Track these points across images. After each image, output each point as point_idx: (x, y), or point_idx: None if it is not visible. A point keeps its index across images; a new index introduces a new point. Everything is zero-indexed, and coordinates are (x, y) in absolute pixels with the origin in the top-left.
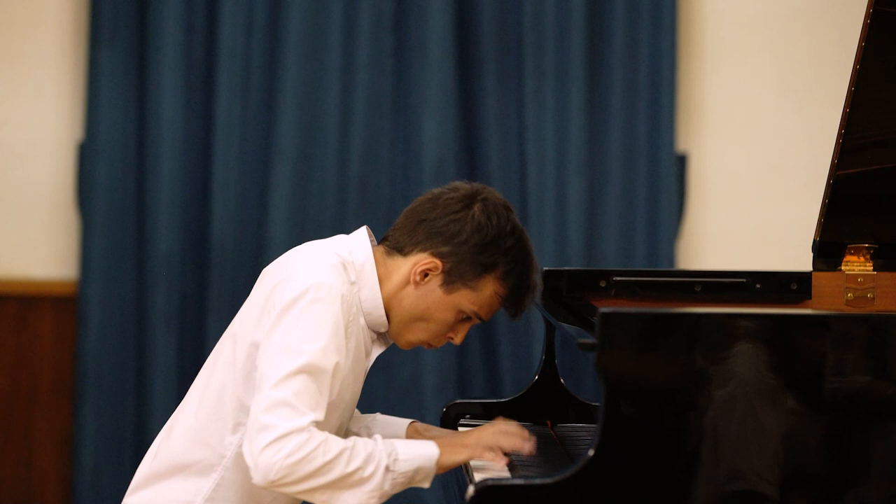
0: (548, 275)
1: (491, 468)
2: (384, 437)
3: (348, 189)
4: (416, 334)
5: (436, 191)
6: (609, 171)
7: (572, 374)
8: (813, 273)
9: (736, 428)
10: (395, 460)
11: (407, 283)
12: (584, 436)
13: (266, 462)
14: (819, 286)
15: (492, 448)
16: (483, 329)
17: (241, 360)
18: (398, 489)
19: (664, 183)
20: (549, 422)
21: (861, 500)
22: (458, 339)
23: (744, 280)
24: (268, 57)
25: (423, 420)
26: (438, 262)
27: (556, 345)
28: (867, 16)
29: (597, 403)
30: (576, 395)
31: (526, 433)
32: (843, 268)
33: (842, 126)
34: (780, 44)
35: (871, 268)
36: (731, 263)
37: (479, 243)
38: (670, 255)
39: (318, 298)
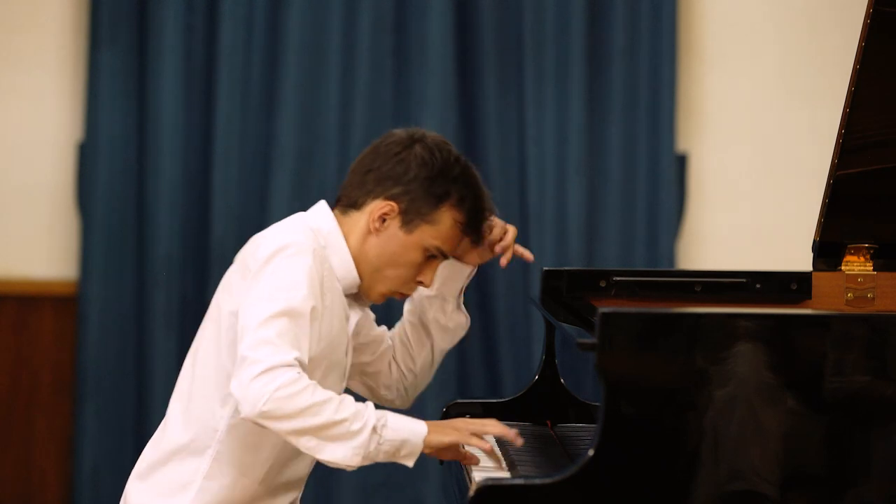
0: (548, 275)
1: (486, 464)
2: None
3: None
4: (387, 284)
5: (375, 142)
6: (609, 171)
7: (572, 374)
8: (813, 273)
9: (736, 428)
10: (384, 426)
11: (368, 233)
12: (584, 436)
13: (255, 392)
14: (819, 286)
15: (478, 434)
16: (483, 329)
17: (222, 332)
18: (381, 457)
19: (664, 183)
20: (549, 422)
21: (861, 500)
22: (428, 281)
23: (744, 280)
24: (268, 57)
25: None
26: (393, 204)
27: (556, 345)
28: (867, 16)
29: (597, 403)
30: (576, 395)
31: (515, 436)
32: (843, 268)
33: (842, 126)
34: (780, 44)
35: (871, 268)
36: (731, 263)
37: (429, 176)
38: (670, 255)
39: (290, 254)
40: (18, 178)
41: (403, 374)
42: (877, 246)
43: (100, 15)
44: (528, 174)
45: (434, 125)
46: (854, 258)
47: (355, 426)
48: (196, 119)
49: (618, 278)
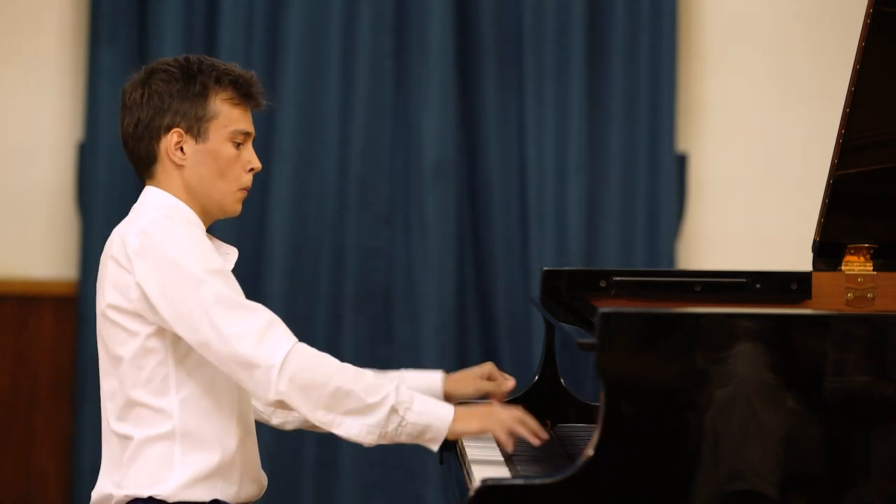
0: (548, 275)
1: (488, 463)
2: (417, 387)
3: (348, 189)
4: (228, 191)
5: (121, 110)
6: (609, 171)
7: (572, 374)
8: (813, 273)
9: (736, 428)
10: (408, 409)
11: (179, 169)
12: (584, 436)
13: (266, 359)
14: (819, 286)
15: (508, 433)
16: (483, 329)
17: (126, 327)
18: (404, 439)
19: (664, 183)
20: (549, 422)
21: (861, 500)
22: (255, 163)
23: (744, 280)
24: (268, 57)
25: None
26: (177, 130)
27: (556, 345)
28: (867, 16)
29: (597, 403)
30: (576, 395)
31: (539, 430)
32: (843, 268)
33: (842, 126)
34: (780, 44)
35: (871, 268)
36: (731, 263)
37: (180, 88)
38: (670, 255)
39: (161, 231)
40: (18, 178)
41: None
42: (877, 246)
43: (100, 15)
44: (528, 174)
45: (434, 125)
46: (854, 258)
47: (371, 400)
48: None
49: (618, 278)
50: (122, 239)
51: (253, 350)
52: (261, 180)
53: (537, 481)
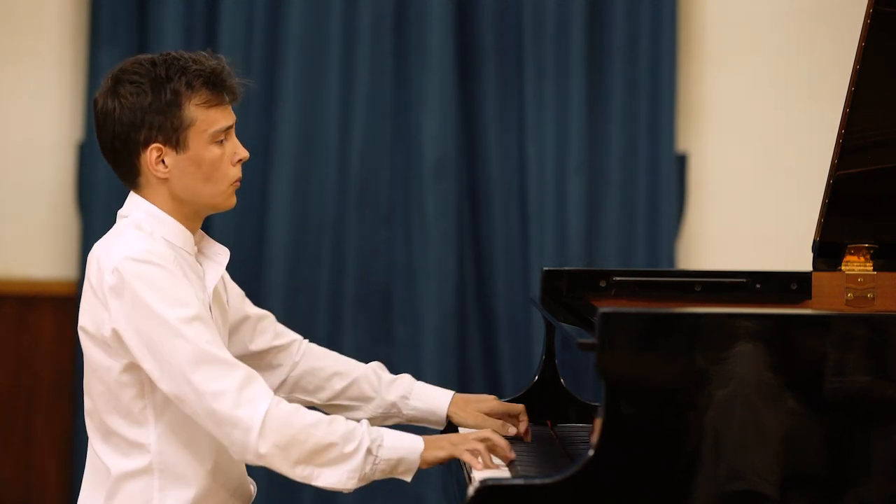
0: (548, 275)
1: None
2: (422, 407)
3: (348, 189)
4: (219, 189)
5: (95, 123)
6: (609, 171)
7: (572, 374)
8: (813, 273)
9: (736, 428)
10: (380, 446)
11: (164, 182)
12: (585, 436)
13: (246, 421)
14: (819, 286)
15: (474, 453)
16: (483, 329)
17: (100, 357)
18: (379, 476)
19: (664, 183)
20: (549, 422)
21: (861, 500)
22: (242, 153)
23: (744, 280)
24: (268, 57)
25: None
26: (154, 145)
27: (556, 345)
28: (867, 16)
29: (597, 403)
30: (576, 395)
31: (508, 450)
32: (843, 268)
33: (842, 126)
34: (780, 44)
35: (871, 268)
36: (731, 263)
37: (151, 100)
38: (670, 255)
39: (135, 272)
40: (18, 178)
41: (296, 388)
42: (877, 246)
43: (100, 15)
44: (528, 174)
45: (434, 125)
46: (854, 258)
47: (348, 448)
48: None
49: (618, 278)
50: (99, 269)
51: (231, 410)
52: (261, 180)
53: (537, 481)
